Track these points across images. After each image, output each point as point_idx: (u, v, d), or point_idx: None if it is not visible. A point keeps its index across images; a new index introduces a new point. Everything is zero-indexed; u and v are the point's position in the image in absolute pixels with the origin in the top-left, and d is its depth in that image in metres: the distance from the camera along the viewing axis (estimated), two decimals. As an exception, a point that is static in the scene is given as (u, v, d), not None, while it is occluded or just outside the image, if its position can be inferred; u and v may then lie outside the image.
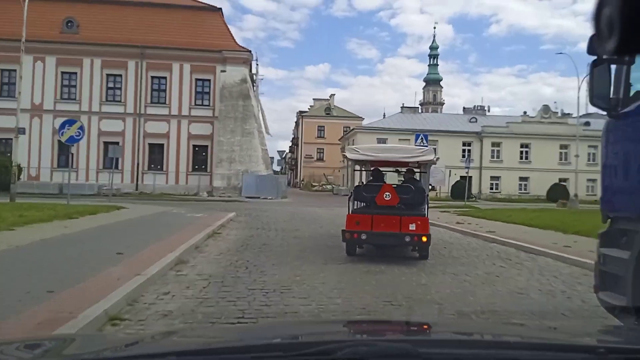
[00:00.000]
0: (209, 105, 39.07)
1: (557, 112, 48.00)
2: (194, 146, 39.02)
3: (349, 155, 9.30)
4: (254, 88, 44.96)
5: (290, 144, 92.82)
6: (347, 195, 10.10)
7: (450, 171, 40.58)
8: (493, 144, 46.01)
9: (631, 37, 0.77)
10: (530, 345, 1.52)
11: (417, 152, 9.58)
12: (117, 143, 38.46)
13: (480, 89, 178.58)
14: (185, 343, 1.69)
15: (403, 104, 55.39)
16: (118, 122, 38.25)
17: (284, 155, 38.63)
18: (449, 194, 41.43)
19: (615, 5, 0.78)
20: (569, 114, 50.59)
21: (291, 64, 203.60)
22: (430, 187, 10.74)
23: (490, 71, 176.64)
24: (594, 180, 47.19)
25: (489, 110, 53.05)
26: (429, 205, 9.41)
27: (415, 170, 10.40)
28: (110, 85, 38.85)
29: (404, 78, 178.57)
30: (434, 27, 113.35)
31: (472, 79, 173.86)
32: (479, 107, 52.79)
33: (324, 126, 70.96)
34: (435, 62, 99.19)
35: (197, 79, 39.05)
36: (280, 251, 9.57)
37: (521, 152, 46.53)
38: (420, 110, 59.22)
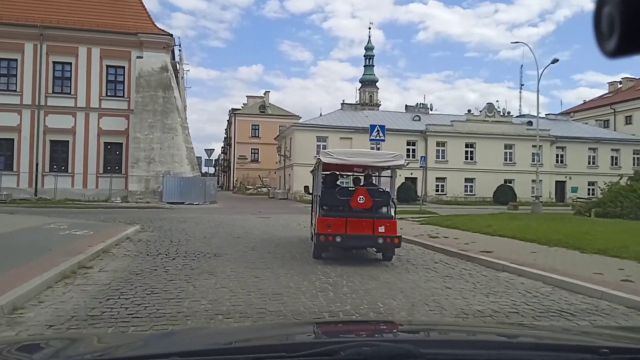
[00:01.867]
0: (123, 97, 33.89)
1: (500, 111, 46.25)
2: (106, 144, 33.72)
3: (323, 159, 9.16)
4: (180, 78, 39.97)
5: (222, 145, 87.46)
6: (309, 198, 10.50)
7: (396, 172, 37.56)
8: (438, 144, 43.45)
9: (632, 37, 0.76)
10: (532, 345, 1.53)
11: (388, 157, 9.48)
12: (12, 140, 32.75)
13: (410, 94, 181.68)
14: (188, 343, 1.60)
15: (343, 100, 52.03)
16: (12, 116, 32.29)
17: (211, 153, 33.86)
18: (395, 197, 38.32)
19: (615, 4, 0.77)
20: (510, 112, 49.22)
21: (223, 64, 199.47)
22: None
23: (419, 76, 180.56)
24: (538, 182, 45.91)
25: (431, 109, 50.64)
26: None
27: (373, 174, 10.67)
28: (3, 71, 32.87)
29: (337, 81, 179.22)
30: (369, 28, 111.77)
31: (402, 84, 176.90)
32: (421, 105, 50.23)
33: (258, 125, 66.37)
34: (371, 62, 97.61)
35: (108, 66, 33.82)
36: (166, 321, 4.93)
37: (466, 152, 44.32)
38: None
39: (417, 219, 18.56)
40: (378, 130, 16.16)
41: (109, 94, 33.71)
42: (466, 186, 44.19)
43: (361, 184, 10.02)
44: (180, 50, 37.63)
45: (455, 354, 1.37)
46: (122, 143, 33.73)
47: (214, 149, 33.05)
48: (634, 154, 47.26)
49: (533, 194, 45.43)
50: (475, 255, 9.40)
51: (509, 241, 11.61)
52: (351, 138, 41.37)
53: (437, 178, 42.59)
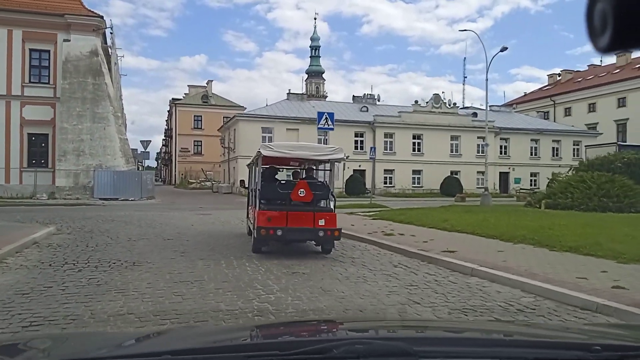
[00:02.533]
0: (48, 83, 31.10)
1: (446, 103, 46.17)
2: (30, 135, 30.89)
3: (263, 152, 8.99)
4: (113, 64, 37.19)
5: (164, 137, 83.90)
6: (244, 191, 10.31)
7: (344, 164, 36.52)
8: (386, 135, 42.76)
9: (625, 33, 0.77)
10: (525, 342, 1.52)
11: (328, 150, 9.49)
12: None
13: (355, 86, 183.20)
14: (181, 342, 1.57)
15: (289, 89, 50.55)
16: None
17: (148, 145, 31.61)
18: (343, 189, 37.35)
19: (608, 0, 0.78)
20: (455, 104, 49.34)
21: (165, 54, 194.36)
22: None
23: (364, 69, 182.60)
24: (483, 173, 46.21)
25: (379, 100, 50.00)
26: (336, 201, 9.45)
27: (313, 167, 10.67)
28: None
29: (283, 73, 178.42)
30: (315, 19, 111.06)
31: (347, 76, 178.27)
32: (369, 96, 49.47)
33: (201, 116, 63.72)
34: (317, 53, 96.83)
35: (32, 50, 30.94)
36: None
37: (414, 144, 43.93)
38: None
39: (368, 214, 17.49)
40: (326, 118, 14.92)
41: (32, 80, 30.82)
42: (414, 178, 43.87)
43: (301, 177, 9.91)
44: (112, 33, 34.89)
45: (448, 351, 1.36)
46: (47, 134, 30.96)
47: (150, 141, 30.85)
48: (573, 144, 48.47)
49: (479, 185, 45.81)
50: (438, 256, 8.30)
51: (470, 238, 10.65)
52: (298, 129, 39.98)
53: (385, 170, 41.94)
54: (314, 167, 10.90)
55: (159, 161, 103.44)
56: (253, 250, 8.92)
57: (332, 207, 9.29)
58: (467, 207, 20.80)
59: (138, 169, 35.34)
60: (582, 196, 19.15)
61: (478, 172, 45.86)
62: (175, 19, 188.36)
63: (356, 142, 42.15)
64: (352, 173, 38.65)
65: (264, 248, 9.01)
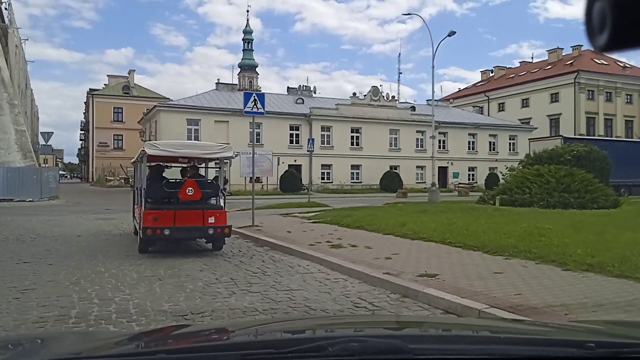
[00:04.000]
0: None
1: (384, 96, 44.34)
2: None
3: (148, 150, 8.73)
4: (15, 46, 32.21)
5: (81, 131, 77.19)
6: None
7: (278, 159, 33.63)
8: (323, 128, 40.21)
9: (624, 32, 0.77)
10: (520, 340, 1.51)
11: (216, 148, 9.39)
12: None
13: (289, 83, 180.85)
14: (176, 341, 1.61)
15: (219, 79, 46.96)
16: None
17: (49, 137, 27.18)
18: (278, 186, 34.47)
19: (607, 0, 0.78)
20: (394, 96, 47.75)
21: (88, 47, 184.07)
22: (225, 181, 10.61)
23: (297, 66, 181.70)
24: (422, 167, 44.91)
25: (315, 92, 47.37)
26: (226, 199, 9.51)
27: (200, 166, 10.41)
28: None
29: (215, 68, 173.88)
30: (247, 11, 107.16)
31: (281, 73, 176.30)
32: (304, 88, 46.76)
33: (121, 108, 58.50)
34: (250, 47, 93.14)
35: None
36: None
37: (352, 137, 41.69)
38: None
39: (307, 215, 14.75)
40: (255, 100, 12.03)
41: None
42: (352, 173, 41.70)
43: (188, 175, 9.54)
44: (7, 9, 30.03)
45: (443, 349, 1.36)
46: None
47: (52, 132, 26.51)
48: (509, 139, 48.20)
49: (418, 180, 44.40)
50: (416, 285, 5.65)
51: (444, 250, 8.13)
52: (227, 121, 36.68)
53: (322, 165, 39.46)
54: (203, 165, 10.72)
55: (80, 157, 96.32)
56: (139, 251, 8.61)
57: (222, 204, 9.18)
58: (416, 204, 18.53)
59: (41, 165, 30.69)
60: (541, 191, 17.40)
61: (417, 166, 44.48)
62: (99, 10, 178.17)
63: (291, 135, 39.38)
64: (287, 168, 35.86)
65: (150, 247, 8.74)
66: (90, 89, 62.97)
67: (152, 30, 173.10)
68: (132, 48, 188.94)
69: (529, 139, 38.87)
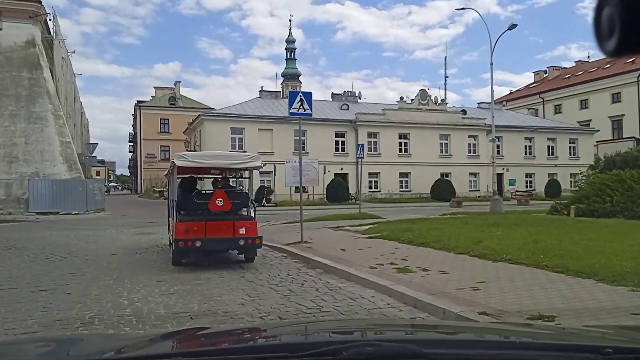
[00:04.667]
0: (-28, 77, 26.27)
1: (433, 99, 42.38)
2: (-49, 139, 25.96)
3: (177, 162, 8.73)
4: (61, 58, 32.42)
5: (130, 143, 78.56)
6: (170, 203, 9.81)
7: (324, 167, 32.39)
8: (369, 134, 38.61)
9: (632, 37, 0.78)
10: (535, 345, 1.49)
11: (244, 158, 9.37)
12: None
13: (331, 92, 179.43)
14: (191, 343, 1.60)
15: (262, 87, 46.29)
16: None
17: (94, 149, 26.95)
18: (324, 196, 33.16)
19: (615, 5, 0.79)
20: (443, 100, 45.65)
21: (138, 62, 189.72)
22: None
23: (339, 75, 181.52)
24: (475, 174, 42.59)
25: (360, 97, 45.91)
26: (256, 209, 9.34)
27: (230, 177, 10.50)
28: None
29: (259, 79, 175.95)
30: (290, 21, 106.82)
31: (323, 82, 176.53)
32: (349, 93, 45.41)
33: (168, 119, 58.86)
34: (292, 56, 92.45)
35: (-47, 38, 26.12)
36: None
37: (400, 144, 39.93)
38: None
39: (359, 229, 13.30)
40: (302, 100, 10.83)
41: (-47, 73, 26.05)
42: (401, 181, 39.91)
43: (219, 186, 9.41)
44: (51, 20, 30.21)
45: (458, 353, 1.34)
46: (-27, 137, 26.15)
47: (97, 143, 26.35)
48: (569, 142, 45.20)
49: (471, 188, 42.09)
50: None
51: (541, 277, 6.53)
52: (271, 129, 35.78)
53: (369, 173, 37.71)
54: (233, 176, 10.73)
55: (133, 170, 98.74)
56: (173, 263, 8.66)
57: (252, 214, 9.07)
58: (480, 215, 16.75)
59: (92, 177, 30.61)
60: (625, 199, 15.33)
61: (470, 173, 42.22)
62: (147, 26, 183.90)
63: (337, 142, 38.04)
64: (333, 177, 34.55)
65: (184, 260, 8.72)
66: (137, 101, 63.78)
67: (197, 44, 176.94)
68: (179, 62, 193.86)
69: (596, 142, 36.05)
